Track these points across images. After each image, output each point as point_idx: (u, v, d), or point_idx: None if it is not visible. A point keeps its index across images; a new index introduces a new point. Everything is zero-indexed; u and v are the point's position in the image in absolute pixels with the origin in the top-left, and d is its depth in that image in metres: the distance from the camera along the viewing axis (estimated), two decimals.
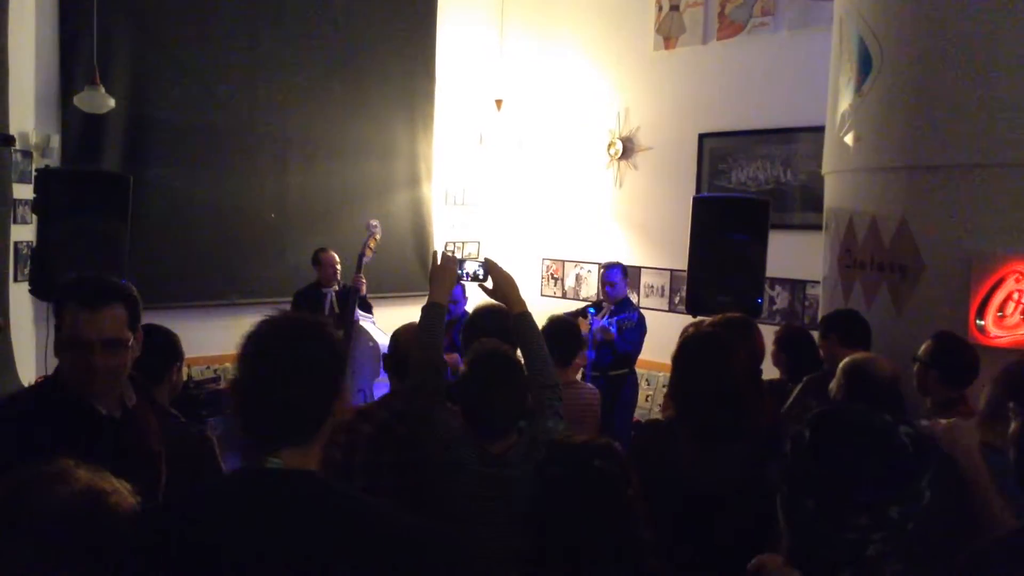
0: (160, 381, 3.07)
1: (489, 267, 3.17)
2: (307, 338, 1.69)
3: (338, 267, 6.73)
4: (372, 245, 6.69)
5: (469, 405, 2.65)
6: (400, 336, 3.30)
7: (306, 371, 1.64)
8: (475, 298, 6.54)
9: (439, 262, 3.12)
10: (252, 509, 1.55)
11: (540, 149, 9.07)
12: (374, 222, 6.76)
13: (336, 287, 6.76)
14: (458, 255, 3.16)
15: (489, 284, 3.13)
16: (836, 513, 1.37)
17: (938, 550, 1.98)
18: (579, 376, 4.34)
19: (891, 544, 1.36)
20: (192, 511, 1.59)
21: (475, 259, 3.29)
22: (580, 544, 1.81)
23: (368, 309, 6.83)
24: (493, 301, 3.21)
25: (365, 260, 6.66)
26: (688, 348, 2.90)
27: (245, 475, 1.68)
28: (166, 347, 3.18)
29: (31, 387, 2.37)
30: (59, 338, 2.23)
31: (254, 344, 1.68)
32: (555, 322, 4.07)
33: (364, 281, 6.63)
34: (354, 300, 6.61)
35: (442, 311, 2.97)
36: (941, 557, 2.04)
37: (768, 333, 4.44)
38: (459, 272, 3.20)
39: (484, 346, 2.76)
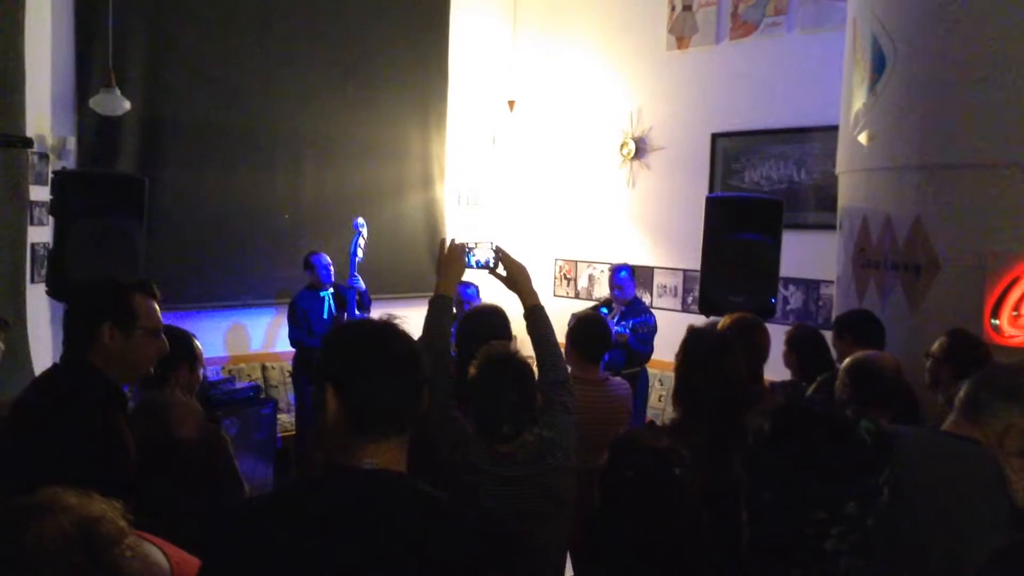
0: (166, 379, 3.06)
1: (500, 256, 3.03)
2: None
3: (331, 268, 6.76)
4: (362, 244, 6.71)
5: (479, 407, 2.62)
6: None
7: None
8: (489, 297, 6.58)
9: (446, 251, 2.98)
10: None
11: (553, 150, 9.07)
12: (360, 220, 6.78)
13: (332, 289, 6.79)
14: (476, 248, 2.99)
15: (502, 271, 3.00)
16: (793, 507, 1.36)
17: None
18: None
19: (848, 540, 1.35)
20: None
21: (485, 245, 3.09)
22: (649, 546, 1.76)
23: (367, 309, 6.84)
24: (488, 303, 3.13)
25: (358, 260, 6.67)
26: (689, 350, 2.89)
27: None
28: (173, 346, 3.19)
29: (66, 380, 2.42)
30: (137, 327, 2.44)
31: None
32: (585, 319, 4.06)
33: (359, 277, 6.66)
34: (353, 300, 6.64)
35: (449, 304, 2.89)
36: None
37: (782, 333, 4.44)
38: (468, 261, 3.02)
39: (493, 348, 2.75)
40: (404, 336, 1.70)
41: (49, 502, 1.41)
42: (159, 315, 2.54)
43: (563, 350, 3.20)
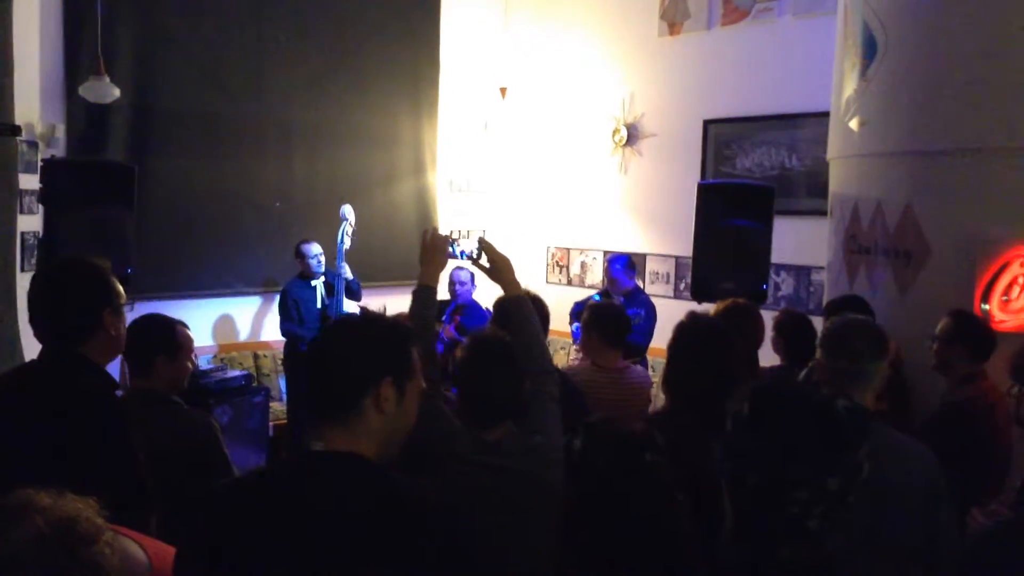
0: (146, 371, 3.05)
1: (484, 247, 2.99)
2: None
3: (322, 258, 6.75)
4: (349, 231, 6.69)
5: (465, 391, 2.60)
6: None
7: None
8: (483, 285, 6.58)
9: (428, 241, 2.95)
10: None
11: (545, 136, 9.06)
12: (346, 208, 6.77)
13: (323, 278, 6.79)
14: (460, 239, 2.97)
15: (485, 263, 2.97)
16: (776, 488, 1.37)
17: None
18: None
19: (831, 518, 1.37)
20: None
21: (468, 239, 3.08)
22: (620, 536, 1.75)
23: (357, 297, 6.84)
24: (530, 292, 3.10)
25: (345, 248, 6.66)
26: (681, 336, 2.89)
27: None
28: (150, 338, 3.14)
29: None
30: (122, 306, 2.38)
31: None
32: (602, 307, 4.08)
33: (345, 264, 6.66)
34: (341, 289, 6.64)
35: (433, 294, 2.88)
36: None
37: (774, 319, 4.45)
38: (452, 251, 3.00)
39: (481, 332, 2.73)
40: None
41: (24, 504, 1.39)
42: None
43: (579, 337, 3.18)
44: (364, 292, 7.01)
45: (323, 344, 1.87)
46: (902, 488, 2.43)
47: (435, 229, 3.08)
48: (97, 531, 1.41)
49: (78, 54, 6.44)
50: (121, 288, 2.39)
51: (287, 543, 1.60)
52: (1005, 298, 3.78)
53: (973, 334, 3.59)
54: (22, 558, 1.33)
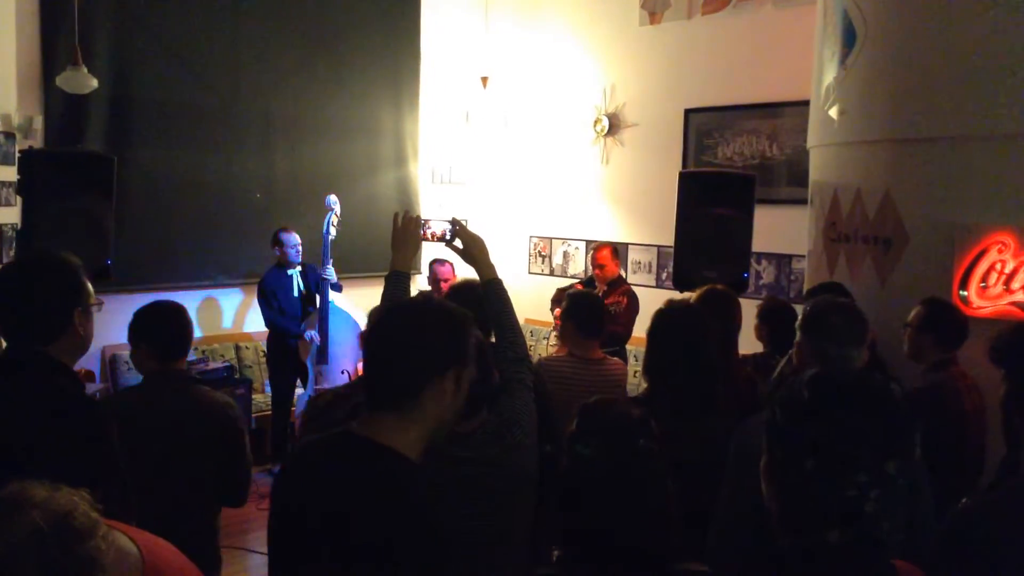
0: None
1: (457, 228, 2.94)
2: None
3: (299, 248, 6.71)
4: (335, 222, 6.67)
5: None
6: (375, 314, 3.23)
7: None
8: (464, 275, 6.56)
9: (399, 224, 2.91)
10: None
11: (527, 126, 9.06)
12: (332, 198, 6.74)
13: (300, 267, 6.76)
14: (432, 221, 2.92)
15: (459, 244, 2.92)
16: (836, 472, 1.39)
17: None
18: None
19: (886, 502, 1.39)
20: None
21: (441, 220, 3.04)
22: (614, 521, 1.76)
23: (337, 289, 6.82)
24: (469, 278, 3.09)
25: (331, 238, 6.63)
26: (660, 322, 2.90)
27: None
28: (187, 323, 3.21)
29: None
30: (91, 304, 2.30)
31: None
32: (580, 296, 4.07)
33: (331, 266, 6.63)
34: (327, 291, 6.61)
35: (407, 280, 2.84)
36: None
37: (755, 307, 4.47)
38: (423, 233, 2.97)
39: None
40: None
41: (19, 498, 1.38)
42: None
43: (558, 327, 3.16)
44: (345, 283, 7.00)
45: (386, 331, 1.88)
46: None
47: (407, 212, 3.03)
48: (93, 525, 1.40)
49: (55, 44, 6.38)
50: (91, 287, 2.32)
51: (315, 513, 1.74)
52: (983, 284, 3.82)
53: (943, 322, 3.62)
54: (18, 554, 1.32)
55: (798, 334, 2.74)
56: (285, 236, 6.70)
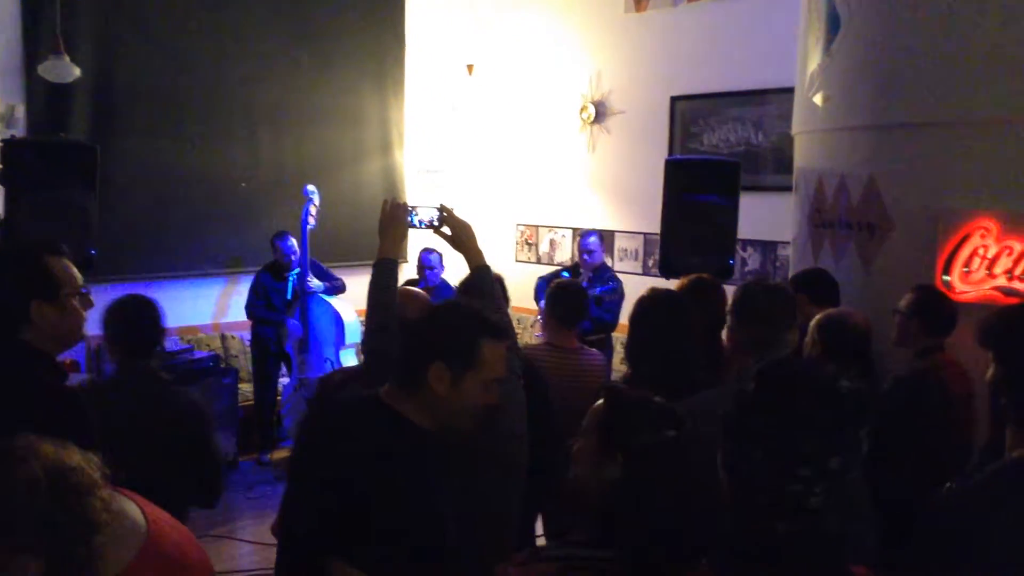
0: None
1: (445, 214, 2.94)
2: None
3: (296, 253, 6.69)
4: (313, 212, 6.66)
5: None
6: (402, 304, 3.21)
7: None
8: (452, 265, 6.56)
9: (387, 211, 2.90)
10: None
11: (513, 114, 9.04)
12: (311, 187, 6.72)
13: (298, 269, 6.75)
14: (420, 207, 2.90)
15: (446, 231, 2.92)
16: (780, 465, 1.40)
17: None
18: None
19: (833, 496, 1.40)
20: None
21: (428, 206, 3.01)
22: (659, 509, 1.75)
23: (330, 292, 6.83)
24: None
25: (309, 228, 6.62)
26: (643, 309, 2.91)
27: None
28: (159, 320, 3.18)
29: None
30: (63, 293, 2.25)
31: None
32: (563, 286, 4.08)
33: (313, 279, 6.65)
34: (309, 302, 6.61)
35: (395, 266, 2.83)
36: None
37: None
38: (411, 220, 2.95)
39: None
40: None
41: (23, 448, 1.46)
42: (73, 269, 2.32)
43: (540, 316, 3.17)
44: (332, 270, 7.00)
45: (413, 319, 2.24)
46: None
47: (394, 198, 3.02)
48: (92, 485, 1.47)
49: (37, 33, 6.34)
50: (65, 276, 2.27)
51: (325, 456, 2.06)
52: (966, 269, 3.84)
53: (932, 309, 3.64)
54: (13, 500, 1.40)
55: (729, 319, 2.75)
56: (281, 244, 6.69)
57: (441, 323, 2.12)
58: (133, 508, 1.69)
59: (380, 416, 2.05)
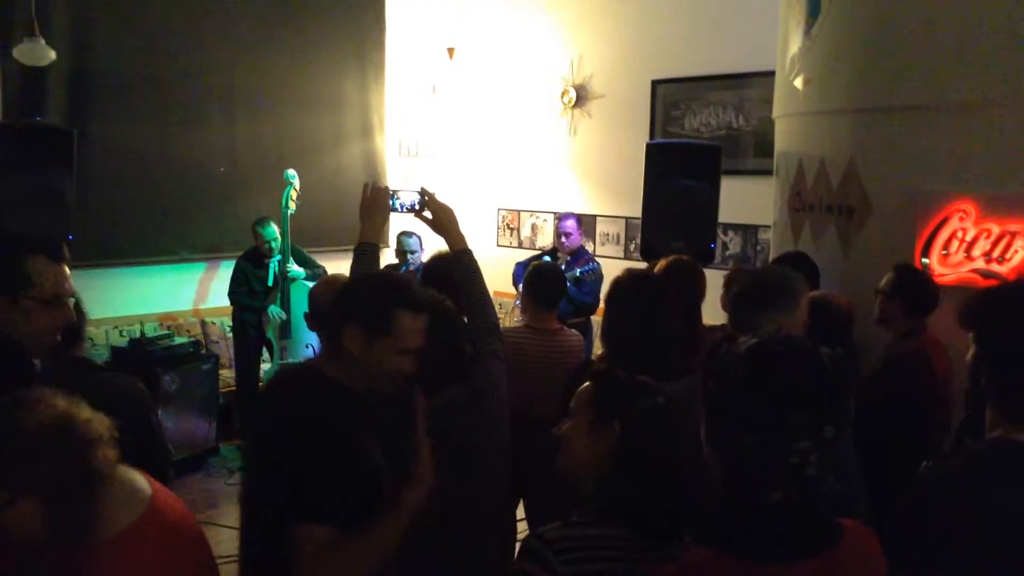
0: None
1: (426, 198, 2.94)
2: None
3: (271, 244, 6.61)
4: (293, 196, 6.61)
5: None
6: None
7: None
8: (433, 249, 6.54)
9: (368, 195, 2.91)
10: None
11: (494, 98, 9.01)
12: (291, 172, 6.68)
13: (279, 256, 6.68)
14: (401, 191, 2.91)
15: (427, 215, 2.92)
16: (777, 441, 1.41)
17: None
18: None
19: (825, 463, 1.42)
20: None
21: (410, 190, 3.02)
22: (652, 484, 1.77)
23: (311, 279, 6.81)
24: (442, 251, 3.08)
25: (290, 213, 6.58)
26: (619, 290, 2.91)
27: None
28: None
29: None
30: (32, 295, 2.22)
31: None
32: (540, 269, 4.09)
33: (294, 265, 6.62)
34: (285, 261, 6.58)
35: (376, 251, 2.83)
36: None
37: (721, 278, 4.49)
38: (392, 204, 2.96)
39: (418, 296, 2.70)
40: None
41: (38, 399, 1.59)
42: (60, 280, 2.28)
43: (518, 300, 3.17)
44: (312, 257, 6.96)
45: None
46: None
47: (375, 183, 3.01)
48: (96, 438, 1.59)
49: (11, 15, 6.23)
50: (38, 278, 2.23)
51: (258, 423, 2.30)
52: (945, 252, 3.86)
53: (913, 289, 3.67)
54: (20, 444, 1.53)
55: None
56: (260, 230, 6.63)
57: (358, 290, 2.26)
58: (138, 476, 1.79)
59: (312, 380, 2.17)
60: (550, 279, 4.02)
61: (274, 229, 6.62)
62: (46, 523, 1.55)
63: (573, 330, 4.23)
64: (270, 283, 6.67)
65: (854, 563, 1.51)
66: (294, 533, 1.95)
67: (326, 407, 2.09)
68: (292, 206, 6.60)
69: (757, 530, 1.47)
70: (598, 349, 6.89)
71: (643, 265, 5.11)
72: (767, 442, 1.42)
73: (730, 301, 2.79)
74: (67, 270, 2.32)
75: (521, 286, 4.34)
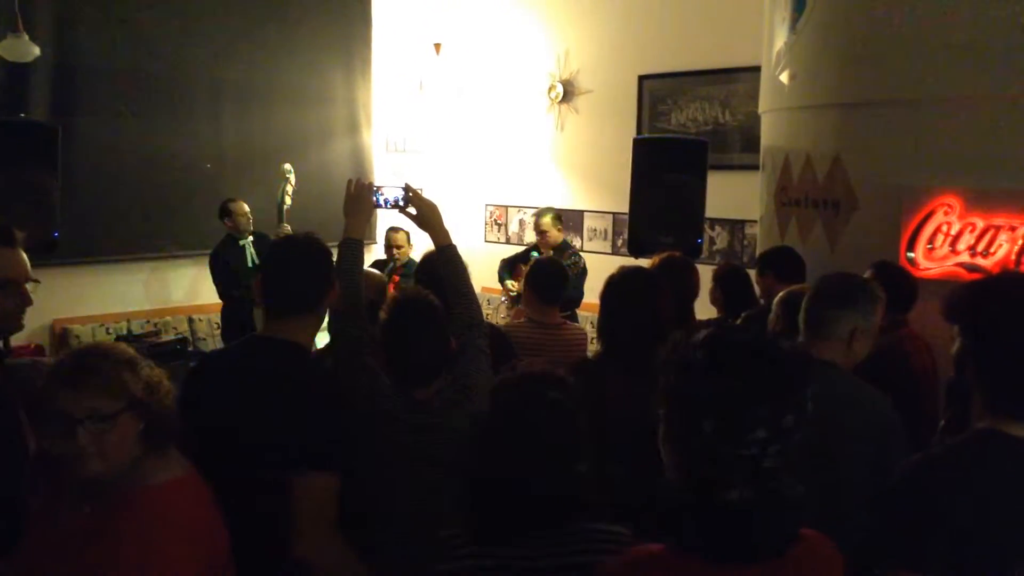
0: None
1: (410, 194, 2.94)
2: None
3: (249, 216, 6.55)
4: (289, 191, 6.58)
5: (390, 353, 2.53)
6: None
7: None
8: (420, 245, 6.53)
9: (352, 191, 2.91)
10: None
11: (481, 94, 9.01)
12: (287, 165, 6.64)
13: (251, 236, 6.63)
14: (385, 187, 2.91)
15: (412, 211, 2.93)
16: (735, 431, 1.41)
17: None
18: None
19: (784, 456, 1.42)
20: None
21: (394, 186, 3.02)
22: (521, 475, 1.77)
23: None
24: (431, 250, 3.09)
25: (286, 207, 6.55)
26: (613, 285, 2.93)
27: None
28: None
29: None
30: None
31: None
32: (541, 263, 4.10)
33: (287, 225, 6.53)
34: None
35: (360, 247, 2.83)
36: None
37: (708, 273, 4.51)
38: (376, 200, 2.97)
39: (403, 292, 2.69)
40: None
41: (115, 345, 1.95)
42: (10, 264, 2.28)
43: (504, 297, 3.18)
44: None
45: (286, 259, 2.60)
46: (855, 433, 2.53)
47: (359, 179, 3.02)
48: (159, 383, 1.92)
49: None
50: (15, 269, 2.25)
51: (237, 397, 2.33)
52: (930, 246, 3.88)
53: (892, 285, 3.67)
54: (102, 363, 1.83)
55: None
56: (233, 206, 6.57)
57: (326, 254, 2.59)
58: (180, 456, 1.99)
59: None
60: (551, 273, 4.03)
61: (243, 205, 6.53)
62: (141, 438, 1.85)
63: (576, 324, 4.23)
64: (249, 264, 6.55)
65: (807, 570, 1.49)
66: (293, 486, 2.18)
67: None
68: (288, 200, 6.57)
69: (710, 529, 1.45)
70: (590, 345, 6.92)
71: (631, 260, 5.13)
72: (724, 430, 1.42)
73: (807, 301, 2.81)
74: (22, 255, 2.30)
75: (509, 282, 4.34)
